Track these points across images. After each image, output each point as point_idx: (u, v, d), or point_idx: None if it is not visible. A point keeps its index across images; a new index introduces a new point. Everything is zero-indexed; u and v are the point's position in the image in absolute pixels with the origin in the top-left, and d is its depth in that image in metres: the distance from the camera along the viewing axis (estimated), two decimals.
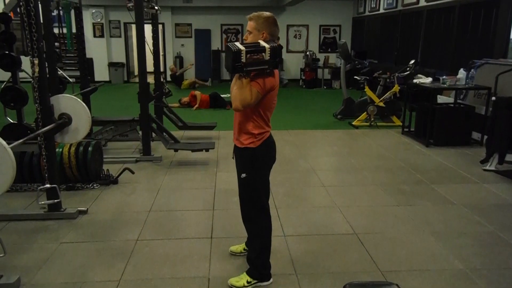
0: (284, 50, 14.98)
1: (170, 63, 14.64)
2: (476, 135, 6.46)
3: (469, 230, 3.61)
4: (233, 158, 2.81)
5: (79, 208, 3.89)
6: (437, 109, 6.36)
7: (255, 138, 2.61)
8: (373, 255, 3.18)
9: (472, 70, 6.64)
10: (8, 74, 4.63)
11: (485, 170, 5.19)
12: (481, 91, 6.46)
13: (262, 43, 2.40)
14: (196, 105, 9.61)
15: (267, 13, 2.54)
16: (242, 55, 2.32)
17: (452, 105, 6.72)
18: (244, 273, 2.80)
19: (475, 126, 6.38)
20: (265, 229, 2.78)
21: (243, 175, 2.69)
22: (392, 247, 3.31)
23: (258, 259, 2.79)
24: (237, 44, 2.38)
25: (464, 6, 8.04)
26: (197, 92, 9.84)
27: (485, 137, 5.95)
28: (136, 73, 14.66)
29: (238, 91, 2.43)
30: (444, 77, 6.64)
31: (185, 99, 9.87)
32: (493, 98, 5.51)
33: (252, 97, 2.42)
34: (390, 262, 3.09)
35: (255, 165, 2.67)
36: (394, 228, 3.65)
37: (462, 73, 6.72)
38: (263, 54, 2.35)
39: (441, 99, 7.22)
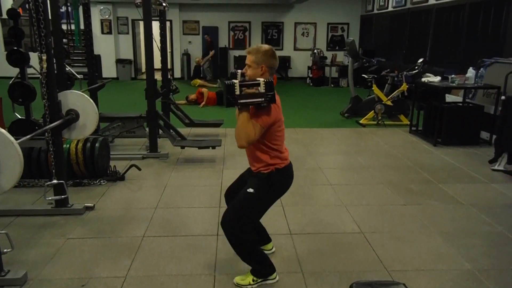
0: (291, 48, 15.02)
1: (177, 60, 14.68)
2: (484, 135, 6.40)
3: (477, 230, 3.58)
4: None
5: (86, 204, 3.91)
6: (445, 108, 6.30)
7: (271, 165, 2.59)
8: (379, 254, 3.16)
9: (482, 69, 6.58)
10: (17, 70, 4.65)
11: (493, 170, 5.14)
12: (490, 90, 6.40)
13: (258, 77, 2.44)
14: (203, 103, 9.61)
15: (265, 47, 2.53)
16: (236, 88, 2.38)
17: (460, 104, 6.66)
18: (249, 271, 2.79)
19: (484, 125, 6.32)
20: (240, 240, 2.64)
21: (250, 190, 2.61)
22: (399, 246, 3.29)
23: (251, 261, 2.75)
24: (234, 80, 2.43)
25: (474, 4, 7.96)
26: (204, 90, 9.86)
27: (494, 136, 5.89)
28: (143, 70, 14.70)
29: (241, 128, 2.41)
30: (453, 76, 6.59)
31: (192, 96, 9.89)
32: (503, 97, 5.46)
33: (256, 133, 2.42)
34: (397, 261, 3.07)
35: (266, 189, 2.63)
36: (401, 227, 3.62)
37: (471, 72, 6.66)
38: (258, 87, 2.38)
39: (449, 98, 7.16)
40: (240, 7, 14.36)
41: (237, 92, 2.38)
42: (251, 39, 14.86)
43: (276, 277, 2.80)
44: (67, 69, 5.16)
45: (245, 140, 2.43)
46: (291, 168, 2.71)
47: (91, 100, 3.97)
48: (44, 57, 3.50)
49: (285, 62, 14.81)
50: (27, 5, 3.84)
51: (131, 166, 4.83)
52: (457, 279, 2.86)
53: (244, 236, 2.63)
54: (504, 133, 5.20)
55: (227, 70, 14.50)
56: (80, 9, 6.13)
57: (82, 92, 4.05)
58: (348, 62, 9.61)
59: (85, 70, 6.24)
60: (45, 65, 3.52)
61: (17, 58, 4.57)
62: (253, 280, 2.74)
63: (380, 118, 7.73)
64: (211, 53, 13.96)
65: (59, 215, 3.77)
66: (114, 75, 14.23)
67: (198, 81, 12.99)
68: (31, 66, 4.79)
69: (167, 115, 6.63)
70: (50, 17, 3.65)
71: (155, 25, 6.17)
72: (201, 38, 14.69)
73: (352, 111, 8.40)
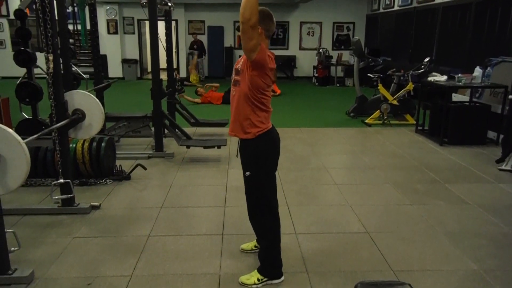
0: (297, 47, 15.00)
1: (183, 60, 14.69)
2: (491, 134, 6.36)
3: (484, 231, 3.56)
4: (237, 156, 2.79)
5: (92, 203, 3.93)
6: (452, 107, 6.27)
7: (255, 127, 2.60)
8: (385, 254, 3.15)
9: (489, 68, 6.53)
10: (24, 70, 4.68)
11: (500, 169, 5.11)
12: (497, 90, 6.35)
13: None
14: (204, 92, 9.83)
15: (260, 7, 2.48)
16: None
17: (467, 103, 6.62)
18: (255, 270, 2.79)
19: (491, 125, 6.27)
20: (272, 228, 2.76)
21: (247, 173, 2.68)
22: (404, 247, 3.28)
23: (266, 258, 2.79)
24: None
25: (480, 3, 7.91)
26: (215, 84, 10.11)
27: (501, 136, 5.85)
28: (149, 69, 14.74)
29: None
30: (459, 75, 6.55)
31: (201, 90, 10.10)
32: (510, 96, 5.43)
33: (257, 16, 2.32)
34: (403, 261, 3.06)
35: (258, 163, 2.65)
36: (407, 227, 3.61)
37: (478, 71, 6.62)
38: None
39: (456, 97, 7.12)
40: None
41: None
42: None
43: (281, 278, 2.80)
44: (73, 69, 5.19)
45: (250, 9, 2.27)
46: (275, 131, 2.70)
47: (97, 100, 3.98)
48: (51, 57, 3.52)
49: (291, 61, 14.79)
50: (34, 6, 3.86)
51: (136, 165, 4.85)
52: (463, 279, 2.84)
53: (275, 223, 2.75)
54: (511, 132, 5.17)
55: (232, 70, 14.47)
56: (86, 9, 6.16)
57: (88, 92, 4.07)
58: (353, 62, 9.59)
59: (91, 70, 6.27)
60: (51, 65, 3.54)
61: (24, 58, 4.60)
62: (258, 279, 2.74)
63: (386, 117, 7.70)
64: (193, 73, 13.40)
65: (65, 214, 3.79)
66: (120, 75, 14.29)
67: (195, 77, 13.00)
68: (38, 66, 4.81)
69: (173, 115, 6.65)
70: (56, 18, 3.66)
71: (161, 25, 6.19)
72: (207, 37, 14.70)
73: (357, 110, 8.37)
